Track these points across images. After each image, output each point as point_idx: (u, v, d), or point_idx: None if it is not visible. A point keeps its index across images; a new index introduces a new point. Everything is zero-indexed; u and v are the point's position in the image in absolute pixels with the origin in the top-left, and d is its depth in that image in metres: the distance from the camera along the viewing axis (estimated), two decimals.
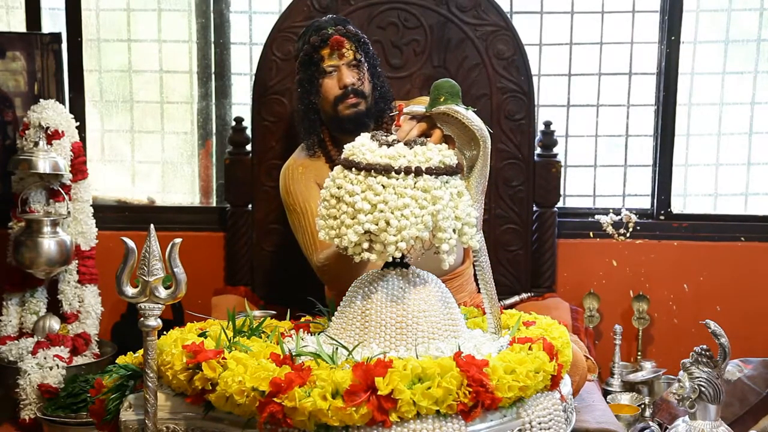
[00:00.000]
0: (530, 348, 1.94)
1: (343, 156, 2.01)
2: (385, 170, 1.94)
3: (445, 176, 1.97)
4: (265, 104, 3.08)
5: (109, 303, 3.20)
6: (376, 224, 1.92)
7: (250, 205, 3.17)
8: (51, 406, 2.84)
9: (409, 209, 1.91)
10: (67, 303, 3.09)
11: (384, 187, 1.93)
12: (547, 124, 3.17)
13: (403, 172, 1.93)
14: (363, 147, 1.99)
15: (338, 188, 1.97)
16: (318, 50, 2.57)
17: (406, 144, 1.99)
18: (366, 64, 2.60)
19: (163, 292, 1.82)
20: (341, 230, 1.95)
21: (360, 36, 2.61)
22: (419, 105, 2.10)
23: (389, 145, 1.99)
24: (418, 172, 1.94)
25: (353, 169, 1.96)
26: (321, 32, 2.57)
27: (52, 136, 3.00)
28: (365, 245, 1.95)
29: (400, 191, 1.93)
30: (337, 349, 1.93)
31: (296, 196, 2.62)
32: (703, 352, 2.23)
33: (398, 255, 1.95)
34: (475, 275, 2.39)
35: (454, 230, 1.97)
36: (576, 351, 2.36)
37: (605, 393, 3.05)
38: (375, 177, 1.94)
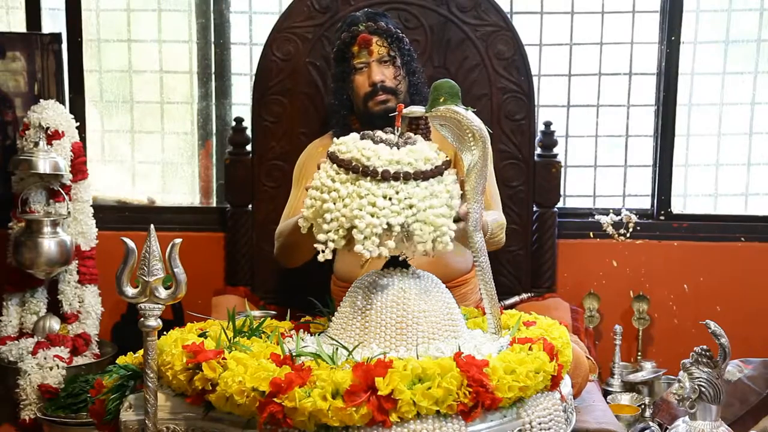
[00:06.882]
0: (530, 348, 1.95)
1: (352, 161, 1.98)
2: (412, 176, 1.96)
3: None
4: (265, 104, 3.08)
5: (109, 303, 3.20)
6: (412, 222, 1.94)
7: (250, 206, 3.17)
8: (51, 406, 2.84)
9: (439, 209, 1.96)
10: (67, 303, 3.09)
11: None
12: (547, 124, 3.17)
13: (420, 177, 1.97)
14: (370, 150, 1.98)
15: (360, 198, 1.95)
16: (349, 47, 2.60)
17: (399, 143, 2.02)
18: (399, 60, 2.61)
19: (163, 293, 1.82)
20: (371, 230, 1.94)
21: (393, 32, 2.60)
22: (418, 106, 2.10)
23: (398, 146, 2.00)
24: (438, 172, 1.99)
25: (368, 177, 1.95)
26: (351, 29, 2.60)
27: (52, 136, 3.00)
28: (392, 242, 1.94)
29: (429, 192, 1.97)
30: (337, 349, 1.93)
31: (301, 171, 2.74)
32: (703, 353, 2.23)
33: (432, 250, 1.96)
34: None
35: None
36: (578, 352, 2.37)
37: (605, 393, 3.05)
38: (405, 183, 1.96)
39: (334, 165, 1.99)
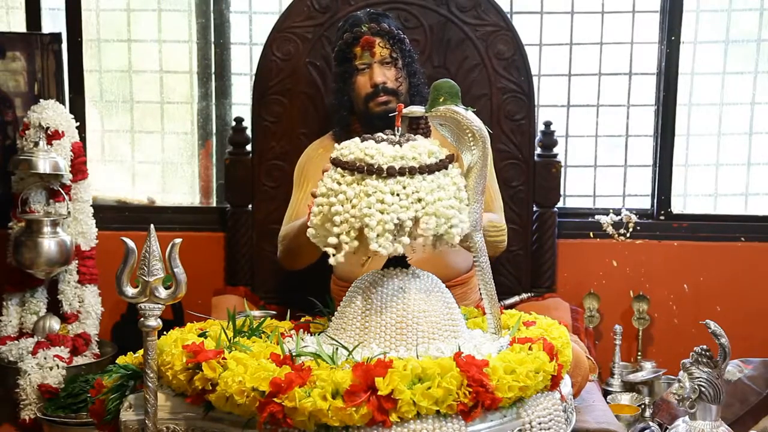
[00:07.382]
0: (530, 348, 1.95)
1: (356, 161, 1.97)
2: (417, 171, 1.97)
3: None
4: (265, 104, 3.08)
5: (109, 303, 3.20)
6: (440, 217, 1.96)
7: (250, 205, 3.17)
8: (51, 406, 2.84)
9: (448, 201, 1.97)
10: (67, 303, 3.09)
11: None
12: (547, 124, 3.17)
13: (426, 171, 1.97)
14: (373, 148, 1.98)
15: (368, 196, 1.94)
16: (351, 47, 2.60)
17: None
18: (401, 62, 2.61)
19: (163, 292, 1.82)
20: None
21: (395, 33, 2.61)
22: (418, 106, 2.10)
23: (400, 144, 2.00)
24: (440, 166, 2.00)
25: (374, 175, 1.95)
26: (354, 29, 2.59)
27: (52, 136, 3.00)
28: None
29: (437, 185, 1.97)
30: (337, 349, 1.93)
31: (302, 172, 2.72)
32: (703, 352, 2.22)
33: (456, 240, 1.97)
34: None
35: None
36: (578, 351, 2.37)
37: (605, 393, 3.05)
38: (413, 177, 1.96)
39: (338, 169, 1.99)
